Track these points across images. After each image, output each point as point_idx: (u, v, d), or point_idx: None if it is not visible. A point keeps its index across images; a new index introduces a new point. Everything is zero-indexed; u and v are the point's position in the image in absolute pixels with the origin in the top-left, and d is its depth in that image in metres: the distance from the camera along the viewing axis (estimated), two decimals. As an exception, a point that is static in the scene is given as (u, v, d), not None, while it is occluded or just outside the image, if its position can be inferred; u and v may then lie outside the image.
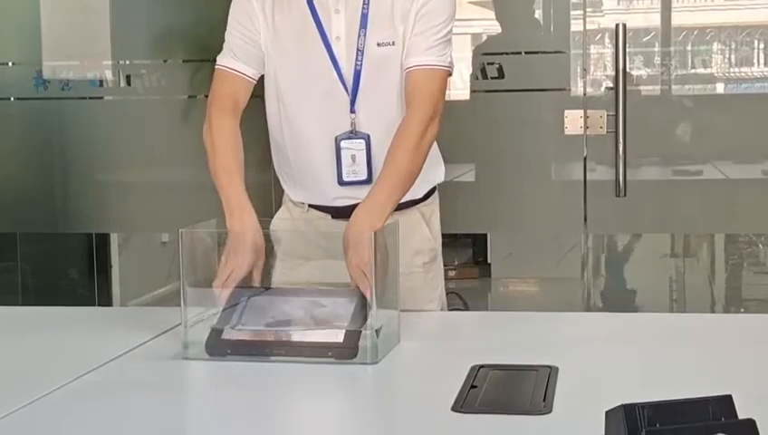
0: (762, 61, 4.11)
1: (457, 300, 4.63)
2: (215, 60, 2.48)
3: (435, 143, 2.41)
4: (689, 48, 4.07)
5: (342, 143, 2.38)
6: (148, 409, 1.71)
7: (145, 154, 4.28)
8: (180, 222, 2.09)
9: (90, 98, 4.27)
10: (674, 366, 1.89)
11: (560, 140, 3.87)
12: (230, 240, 2.18)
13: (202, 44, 3.91)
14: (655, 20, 4.03)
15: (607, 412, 1.43)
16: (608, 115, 3.78)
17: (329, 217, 2.47)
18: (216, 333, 2.00)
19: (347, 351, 1.93)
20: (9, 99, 4.27)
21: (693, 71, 4.10)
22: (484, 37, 4.12)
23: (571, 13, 3.95)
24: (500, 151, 3.95)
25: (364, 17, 2.37)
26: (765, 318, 2.50)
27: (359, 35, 2.37)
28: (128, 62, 4.26)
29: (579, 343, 2.11)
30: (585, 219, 3.91)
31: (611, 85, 3.78)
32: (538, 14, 4.07)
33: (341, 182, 2.39)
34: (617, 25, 3.71)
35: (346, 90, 2.38)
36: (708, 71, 4.09)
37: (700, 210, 4.00)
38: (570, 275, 4.51)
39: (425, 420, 1.64)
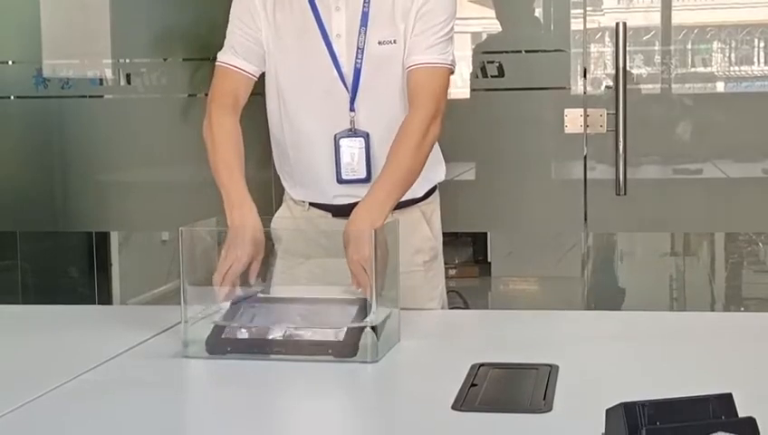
0: (762, 59, 4.11)
1: (458, 299, 4.64)
2: (215, 58, 2.48)
3: (436, 142, 2.41)
4: (689, 47, 4.07)
5: (342, 141, 2.38)
6: (148, 407, 1.71)
7: (145, 153, 4.28)
8: (180, 220, 2.09)
9: (90, 96, 4.27)
10: (674, 364, 1.89)
11: (560, 139, 3.87)
12: (230, 234, 2.18)
13: (202, 43, 3.91)
14: (655, 18, 4.03)
15: (607, 411, 1.43)
16: (608, 114, 3.78)
17: (329, 215, 2.47)
18: (216, 331, 2.00)
19: (347, 349, 1.93)
20: (9, 97, 4.27)
21: (693, 69, 4.10)
22: (484, 36, 4.12)
23: (572, 11, 3.95)
24: (500, 150, 3.95)
25: (365, 15, 2.37)
26: (765, 317, 2.49)
27: (359, 33, 2.37)
28: (128, 61, 4.26)
29: (579, 341, 2.11)
30: (585, 218, 3.91)
31: (611, 84, 3.78)
32: (538, 12, 4.07)
33: (340, 180, 2.39)
34: (617, 24, 3.71)
35: (346, 88, 2.38)
36: (708, 69, 4.09)
37: (700, 209, 4.00)
38: (570, 273, 4.52)
39: (425, 418, 1.64)
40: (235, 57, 2.42)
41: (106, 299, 4.69)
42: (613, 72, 3.75)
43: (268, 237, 2.24)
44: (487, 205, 4.02)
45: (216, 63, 2.46)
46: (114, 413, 1.68)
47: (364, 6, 2.37)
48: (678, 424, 1.33)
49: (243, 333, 2.00)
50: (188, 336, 1.99)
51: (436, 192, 2.57)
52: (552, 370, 1.81)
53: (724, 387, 1.41)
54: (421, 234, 2.51)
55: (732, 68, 4.09)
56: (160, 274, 4.63)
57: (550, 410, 1.61)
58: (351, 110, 2.38)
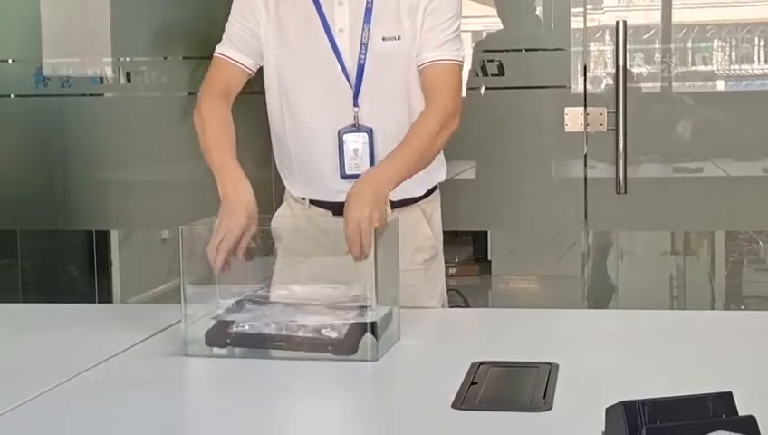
0: (762, 58, 4.11)
1: (458, 297, 4.63)
2: (214, 57, 2.49)
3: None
4: (690, 45, 4.06)
5: (345, 137, 2.39)
6: (147, 406, 1.71)
7: (145, 151, 4.28)
8: (180, 219, 2.09)
9: (90, 95, 4.27)
10: (674, 363, 1.89)
11: (560, 138, 3.87)
12: (223, 206, 2.17)
13: (202, 41, 3.90)
14: (655, 17, 4.03)
15: (607, 409, 1.43)
16: (608, 112, 3.78)
17: (330, 213, 2.47)
18: (217, 325, 2.00)
19: (347, 347, 1.92)
20: (9, 96, 4.27)
21: (693, 68, 4.10)
22: (485, 34, 4.12)
23: (572, 10, 3.95)
24: (500, 149, 3.95)
25: (368, 11, 2.37)
26: (765, 315, 2.49)
27: (362, 29, 2.37)
28: (128, 59, 4.26)
29: (579, 340, 2.11)
30: (585, 217, 3.90)
31: (612, 82, 3.78)
32: (538, 11, 4.07)
33: (344, 175, 2.39)
34: (617, 22, 3.71)
35: (349, 83, 2.39)
36: (709, 68, 4.09)
37: (700, 207, 4.00)
38: (570, 272, 4.52)
39: (425, 417, 1.64)
40: (231, 49, 2.44)
41: (106, 298, 4.69)
42: (613, 70, 3.75)
43: (268, 236, 2.24)
44: (487, 203, 4.02)
45: (214, 55, 2.48)
46: (114, 412, 1.68)
47: (367, 2, 2.37)
48: (678, 423, 1.33)
49: (243, 328, 2.00)
50: (188, 335, 1.99)
51: (437, 191, 2.57)
52: (552, 368, 1.80)
53: (725, 386, 1.41)
54: (422, 232, 2.51)
55: (732, 66, 4.09)
56: (160, 272, 4.63)
57: (550, 408, 1.61)
58: (355, 105, 2.39)
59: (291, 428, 1.66)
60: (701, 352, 1.97)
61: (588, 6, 3.93)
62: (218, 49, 2.47)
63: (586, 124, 3.83)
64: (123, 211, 4.37)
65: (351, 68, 2.38)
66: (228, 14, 2.50)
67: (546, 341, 2.09)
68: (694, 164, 3.94)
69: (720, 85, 4.12)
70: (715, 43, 4.08)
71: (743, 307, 4.78)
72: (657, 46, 4.00)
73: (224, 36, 2.47)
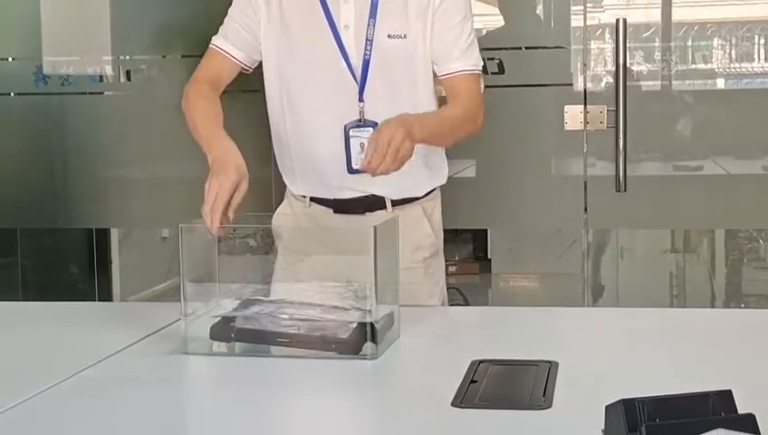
0: (762, 56, 4.11)
1: (458, 295, 4.64)
2: (214, 55, 2.50)
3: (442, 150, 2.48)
4: (690, 43, 4.06)
5: (351, 131, 2.39)
6: (147, 404, 1.71)
7: (145, 149, 4.28)
8: (180, 217, 2.08)
9: (90, 93, 4.27)
10: (674, 361, 1.89)
11: (560, 136, 3.87)
12: (212, 167, 2.16)
13: (202, 40, 3.88)
14: (655, 15, 4.02)
15: (607, 407, 1.43)
16: (608, 110, 3.78)
17: (330, 211, 2.48)
18: (222, 321, 2.00)
19: (351, 346, 1.92)
20: (9, 94, 4.27)
21: (693, 66, 4.10)
22: (485, 32, 4.12)
23: (572, 8, 3.95)
24: (500, 147, 3.95)
25: (374, 7, 2.38)
26: (765, 313, 2.49)
27: (368, 25, 2.38)
28: (128, 58, 4.26)
29: (579, 338, 2.11)
30: (585, 215, 3.90)
31: (612, 81, 3.78)
32: (539, 9, 4.07)
33: (351, 170, 2.40)
34: (617, 21, 3.71)
35: (354, 79, 2.39)
36: (709, 66, 4.09)
37: (700, 206, 4.00)
38: (570, 270, 4.51)
39: (424, 415, 1.64)
40: (225, 42, 2.47)
41: (106, 296, 4.69)
42: (613, 68, 3.75)
43: (268, 234, 2.24)
44: (487, 202, 4.02)
45: (209, 46, 2.49)
46: (113, 410, 1.68)
47: None
48: (678, 421, 1.33)
49: (248, 324, 2.00)
50: (188, 333, 1.99)
51: (438, 189, 2.58)
52: (551, 366, 1.80)
53: (724, 383, 1.41)
54: (422, 231, 2.51)
55: (732, 65, 4.08)
56: (160, 271, 4.63)
57: (549, 406, 1.61)
58: (360, 100, 2.39)
59: (290, 426, 1.66)
60: (701, 350, 1.97)
61: (588, 4, 3.93)
62: (213, 40, 2.50)
63: (586, 122, 3.83)
64: (123, 209, 4.36)
65: (357, 64, 2.39)
66: (226, 12, 2.50)
67: (546, 339, 2.09)
68: (694, 162, 3.94)
69: (720, 83, 4.12)
70: (715, 42, 4.08)
71: (742, 305, 4.78)
72: (657, 44, 4.00)
73: (221, 28, 2.49)
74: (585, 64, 3.91)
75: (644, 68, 3.98)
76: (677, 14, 4.04)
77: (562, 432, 1.54)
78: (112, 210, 4.38)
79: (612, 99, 3.74)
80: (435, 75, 2.48)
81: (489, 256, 5.90)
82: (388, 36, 2.39)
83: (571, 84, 3.90)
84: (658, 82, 4.02)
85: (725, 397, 1.39)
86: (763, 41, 4.10)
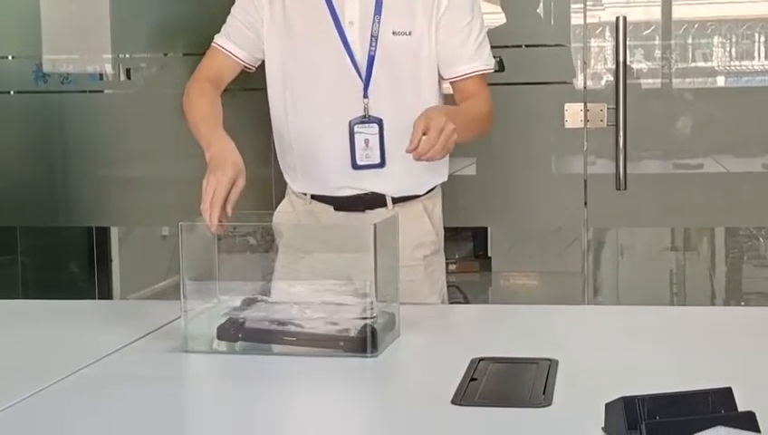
0: (762, 54, 4.11)
1: (458, 294, 4.64)
2: (215, 53, 2.50)
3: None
4: (690, 41, 4.06)
5: (356, 127, 2.40)
6: (147, 402, 1.71)
7: (145, 148, 4.28)
8: (180, 216, 2.08)
9: (90, 91, 4.27)
10: (674, 359, 1.89)
11: (560, 134, 3.87)
12: (209, 164, 2.17)
13: (202, 38, 3.88)
14: (655, 13, 4.02)
15: (607, 405, 1.43)
16: (608, 108, 3.78)
17: (331, 208, 2.48)
18: (229, 321, 2.00)
19: (358, 343, 1.92)
20: (9, 92, 4.27)
21: (693, 64, 4.09)
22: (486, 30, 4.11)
23: (572, 6, 3.95)
24: (500, 145, 3.94)
25: (379, 3, 2.39)
26: (765, 311, 2.49)
27: (373, 21, 2.39)
28: (128, 56, 4.26)
29: (579, 336, 2.11)
30: (585, 213, 3.90)
31: (612, 78, 3.77)
32: (539, 7, 4.07)
33: (356, 166, 2.40)
34: (617, 18, 3.71)
35: (359, 75, 2.40)
36: (709, 64, 4.09)
37: (700, 204, 4.00)
38: (570, 268, 4.51)
39: (424, 412, 1.64)
40: (226, 40, 2.47)
41: (106, 294, 4.69)
42: (613, 66, 3.74)
43: (268, 232, 2.24)
44: (488, 200, 4.02)
45: (211, 45, 2.50)
46: (113, 408, 1.68)
47: None
48: (678, 418, 1.33)
49: (254, 323, 2.00)
50: (188, 331, 1.99)
51: (438, 187, 2.58)
52: (551, 364, 1.80)
53: (724, 381, 1.42)
54: (423, 228, 2.52)
55: (732, 63, 4.08)
56: (160, 269, 4.63)
57: (549, 404, 1.61)
58: (365, 96, 2.40)
59: (290, 424, 1.66)
60: (701, 348, 1.97)
61: (588, 2, 3.92)
62: (216, 39, 2.51)
63: (586, 120, 3.83)
64: (123, 208, 4.36)
65: (361, 60, 2.40)
66: (228, 10, 2.51)
67: (546, 337, 2.09)
68: (694, 160, 3.94)
69: (720, 81, 4.12)
70: (716, 40, 4.08)
71: (743, 303, 4.78)
72: (657, 42, 3.99)
73: (223, 27, 2.49)
74: (585, 62, 3.91)
75: (644, 66, 3.98)
76: (677, 12, 4.04)
77: (562, 430, 1.54)
78: (112, 208, 4.38)
79: (612, 97, 3.73)
80: (440, 75, 2.49)
81: (489, 254, 5.90)
82: (393, 33, 2.40)
83: (572, 82, 3.90)
84: (659, 80, 4.02)
85: (726, 394, 1.39)
86: (763, 39, 4.10)
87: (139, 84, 4.24)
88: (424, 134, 2.16)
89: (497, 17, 4.01)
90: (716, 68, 4.08)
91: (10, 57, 4.27)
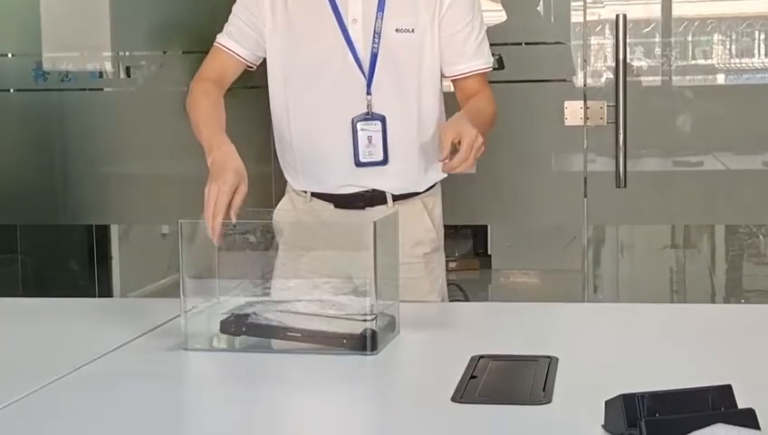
0: (762, 52, 4.11)
1: (458, 291, 4.64)
2: (214, 51, 2.50)
3: None
4: (690, 39, 4.06)
5: (359, 125, 2.40)
6: (147, 400, 1.71)
7: (145, 145, 4.28)
8: (180, 214, 2.08)
9: (89, 89, 4.27)
10: (674, 356, 1.89)
11: (560, 131, 3.87)
12: (211, 171, 2.17)
13: (202, 36, 3.89)
14: (655, 11, 4.02)
15: (606, 402, 1.43)
16: (608, 106, 3.78)
17: (331, 206, 2.48)
18: (233, 316, 2.00)
19: (362, 341, 1.92)
20: (9, 90, 4.27)
21: (693, 62, 4.10)
22: (485, 28, 4.11)
23: (572, 3, 3.95)
24: (500, 143, 3.93)
25: (381, 0, 2.39)
26: (765, 309, 2.49)
27: (376, 18, 2.39)
28: (127, 54, 4.26)
29: (579, 333, 2.11)
30: (585, 210, 3.90)
31: (612, 76, 3.77)
32: (539, 5, 4.07)
33: (358, 163, 2.41)
34: (617, 16, 3.70)
35: (362, 73, 2.40)
36: (709, 62, 4.09)
37: (700, 201, 4.00)
38: (570, 266, 4.51)
39: (424, 410, 1.64)
40: (229, 39, 2.47)
41: (106, 292, 4.69)
42: (613, 64, 3.74)
43: (268, 229, 2.24)
44: (487, 197, 4.02)
45: (213, 44, 2.51)
46: (114, 406, 1.68)
47: None
48: (678, 416, 1.33)
49: (258, 319, 2.00)
50: (188, 329, 1.99)
51: (438, 184, 2.58)
52: (551, 361, 1.81)
53: (724, 379, 1.42)
54: (422, 226, 2.52)
55: (732, 60, 4.08)
56: (160, 267, 4.63)
57: (549, 401, 1.61)
58: (368, 93, 2.40)
59: (290, 421, 1.66)
60: (701, 346, 1.97)
61: (588, 0, 3.92)
62: (218, 38, 2.50)
63: (586, 118, 3.83)
64: (123, 206, 4.37)
65: (365, 57, 2.40)
66: (227, 7, 2.51)
67: (546, 334, 2.09)
68: (694, 158, 3.94)
69: (720, 79, 4.12)
70: (716, 37, 4.08)
71: (743, 301, 4.78)
72: (657, 40, 3.99)
73: (225, 26, 2.49)
74: (585, 60, 3.91)
75: (644, 64, 3.98)
76: (677, 10, 4.04)
77: (562, 427, 1.54)
78: (112, 206, 4.38)
79: (612, 94, 3.73)
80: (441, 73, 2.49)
81: (489, 252, 5.90)
82: (396, 30, 2.40)
83: (572, 80, 3.90)
84: (658, 78, 4.02)
85: (725, 392, 1.39)
86: (763, 36, 4.10)
87: (138, 82, 4.24)
88: (452, 143, 2.16)
89: (498, 15, 4.01)
90: (716, 65, 4.08)
91: (10, 55, 4.28)
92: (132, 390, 1.77)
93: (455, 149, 2.17)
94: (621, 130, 3.71)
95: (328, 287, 2.10)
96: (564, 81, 3.90)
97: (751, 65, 4.10)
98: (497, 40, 3.89)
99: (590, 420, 1.46)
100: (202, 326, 2.00)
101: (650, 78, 4.03)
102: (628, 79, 3.72)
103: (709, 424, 1.30)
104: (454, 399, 1.63)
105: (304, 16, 2.43)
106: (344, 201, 2.46)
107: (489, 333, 2.13)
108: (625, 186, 3.74)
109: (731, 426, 1.30)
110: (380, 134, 2.41)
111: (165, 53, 4.19)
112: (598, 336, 2.08)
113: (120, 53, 4.25)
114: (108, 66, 4.27)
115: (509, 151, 3.96)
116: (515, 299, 5.37)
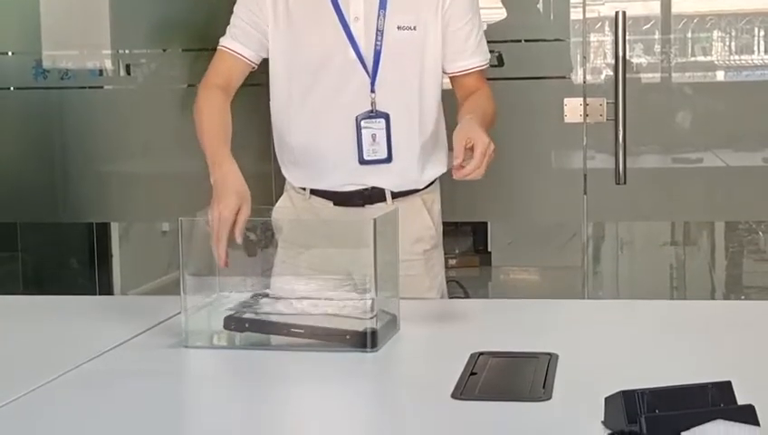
0: (762, 48, 4.10)
1: (458, 288, 4.64)
2: (214, 49, 2.51)
3: (444, 134, 2.47)
4: (689, 36, 4.06)
5: (363, 123, 2.40)
6: (148, 397, 1.72)
7: (145, 143, 4.28)
8: (180, 211, 2.09)
9: (89, 87, 4.28)
10: (673, 353, 1.90)
11: (560, 128, 3.87)
12: (214, 191, 2.18)
13: (201, 33, 3.91)
14: (655, 8, 4.02)
15: (606, 398, 1.43)
16: (608, 103, 3.78)
17: (330, 203, 2.48)
18: (236, 313, 2.00)
19: (365, 338, 1.92)
20: (9, 88, 4.27)
21: (693, 58, 4.09)
22: (485, 25, 4.11)
23: (571, 1, 3.95)
24: (500, 139, 3.92)
25: None
26: (765, 305, 2.50)
27: (378, 15, 2.39)
28: (127, 52, 4.26)
29: (579, 330, 2.11)
30: (585, 207, 3.90)
31: (611, 73, 3.77)
32: (538, 2, 4.07)
33: (362, 161, 2.41)
34: (616, 13, 3.70)
35: (366, 70, 2.40)
36: (708, 58, 4.09)
37: (700, 198, 4.00)
38: (570, 263, 4.51)
39: (424, 407, 1.64)
40: (233, 41, 2.46)
41: (106, 290, 4.70)
42: (613, 61, 3.74)
43: (268, 227, 2.25)
44: (487, 194, 4.01)
45: (217, 48, 2.49)
46: (114, 403, 1.69)
47: None
48: (677, 412, 1.33)
49: (261, 316, 2.00)
50: (188, 326, 2.00)
51: (437, 181, 2.58)
52: (551, 358, 1.81)
53: (724, 375, 1.42)
54: (422, 223, 2.52)
55: (732, 57, 4.08)
56: (160, 264, 4.63)
57: (549, 398, 1.62)
58: (372, 91, 2.40)
59: (291, 418, 1.66)
60: (700, 342, 1.98)
61: (587, -3, 3.93)
62: (221, 41, 2.49)
63: (585, 115, 3.83)
64: (123, 204, 4.37)
65: (368, 55, 2.40)
66: (227, 6, 2.50)
67: (546, 331, 2.09)
68: (693, 154, 3.95)
69: (720, 76, 4.12)
70: (715, 34, 4.08)
71: (742, 297, 4.78)
72: (656, 37, 3.99)
73: (228, 28, 2.48)
74: (585, 57, 3.91)
75: (643, 60, 3.98)
76: (677, 7, 4.04)
77: (562, 424, 1.54)
78: (112, 204, 4.38)
79: (612, 91, 3.73)
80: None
81: (489, 249, 5.89)
82: (398, 28, 2.41)
83: (571, 77, 3.90)
84: (658, 75, 4.02)
85: (725, 388, 1.39)
86: (762, 33, 4.10)
87: (138, 80, 4.24)
88: (466, 147, 2.15)
89: (497, 12, 4.01)
90: (716, 62, 4.08)
91: (10, 53, 4.28)
92: (133, 387, 1.77)
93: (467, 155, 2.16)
94: (621, 127, 3.71)
95: (328, 284, 2.10)
96: (564, 78, 3.90)
97: (750, 62, 4.10)
98: (497, 37, 3.90)
99: (590, 416, 1.46)
100: (202, 324, 2.00)
101: (650, 75, 4.03)
102: (627, 76, 3.72)
103: (709, 420, 1.30)
104: (454, 395, 1.63)
105: (305, 14, 2.43)
106: (344, 198, 2.46)
107: (489, 329, 2.13)
108: (625, 183, 3.74)
109: (730, 422, 1.30)
110: (384, 132, 2.41)
111: (165, 50, 4.19)
112: (598, 333, 2.08)
113: (120, 51, 4.25)
114: (108, 64, 4.28)
115: (509, 148, 3.95)
116: (515, 296, 5.38)
